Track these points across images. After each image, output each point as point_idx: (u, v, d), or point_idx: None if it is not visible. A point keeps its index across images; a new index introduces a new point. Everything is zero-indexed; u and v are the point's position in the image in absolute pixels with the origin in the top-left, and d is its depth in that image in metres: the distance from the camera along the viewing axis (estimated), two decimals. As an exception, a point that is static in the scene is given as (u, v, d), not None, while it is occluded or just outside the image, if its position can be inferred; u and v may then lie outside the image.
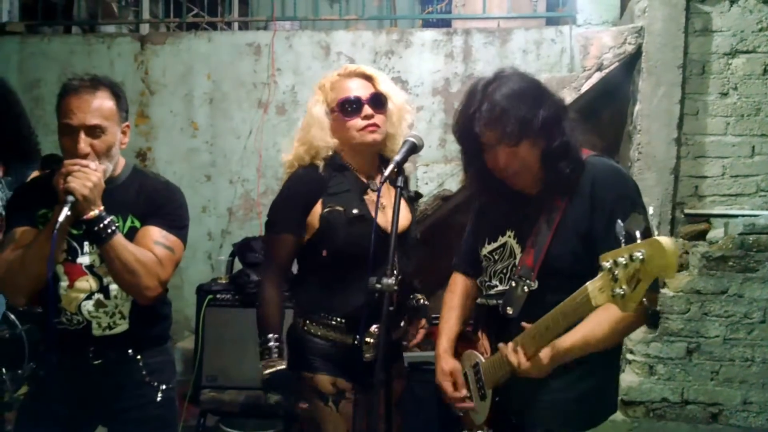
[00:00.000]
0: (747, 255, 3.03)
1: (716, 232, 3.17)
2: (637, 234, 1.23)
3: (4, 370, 2.80)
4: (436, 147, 3.76)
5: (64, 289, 1.74)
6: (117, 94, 1.74)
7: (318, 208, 1.85)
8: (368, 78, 1.90)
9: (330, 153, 1.89)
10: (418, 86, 3.80)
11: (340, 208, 1.84)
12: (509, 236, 1.67)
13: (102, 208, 1.66)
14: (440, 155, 3.75)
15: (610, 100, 3.60)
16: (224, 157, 3.90)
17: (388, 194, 1.87)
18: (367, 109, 1.85)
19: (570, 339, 1.49)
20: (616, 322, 1.49)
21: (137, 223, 1.76)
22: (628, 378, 3.17)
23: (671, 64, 3.23)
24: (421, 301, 2.11)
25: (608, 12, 3.69)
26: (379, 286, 1.62)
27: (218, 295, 3.21)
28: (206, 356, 3.15)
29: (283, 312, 1.92)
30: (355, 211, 1.84)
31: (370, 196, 1.89)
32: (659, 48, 3.24)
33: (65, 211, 1.60)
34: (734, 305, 3.04)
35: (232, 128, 3.89)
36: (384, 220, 1.82)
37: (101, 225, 1.65)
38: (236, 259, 3.48)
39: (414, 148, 1.75)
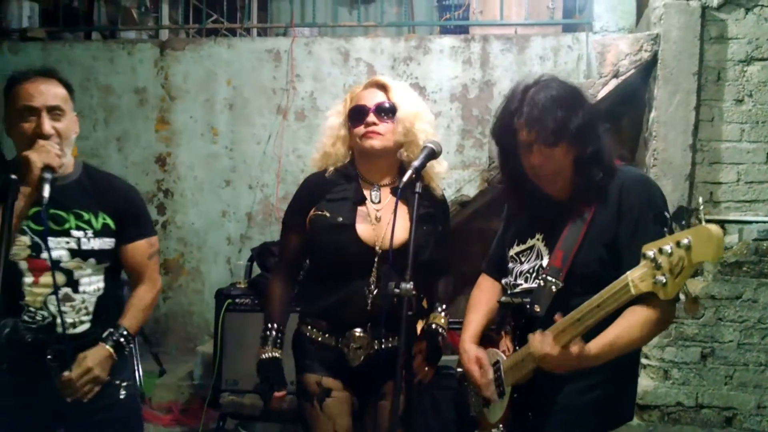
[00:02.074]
0: (761, 260, 3.26)
1: (731, 238, 3.40)
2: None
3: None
4: (454, 153, 4.04)
5: (28, 284, 1.82)
6: (67, 84, 1.88)
7: (311, 212, 2.01)
8: (383, 87, 2.03)
9: (344, 161, 2.04)
10: (436, 92, 4.08)
11: (327, 214, 1.97)
12: (537, 239, 1.80)
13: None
14: (458, 161, 4.02)
15: (627, 107, 3.85)
16: (244, 162, 4.20)
17: (390, 208, 1.93)
18: (370, 117, 1.97)
19: (600, 342, 1.58)
20: (646, 323, 1.59)
21: (109, 221, 1.91)
22: (644, 382, 3.41)
23: (687, 71, 3.48)
24: (434, 325, 2.12)
25: (625, 19, 3.95)
26: (397, 290, 1.74)
27: (237, 300, 3.41)
28: (226, 360, 3.37)
29: (287, 307, 2.07)
30: (339, 219, 1.96)
31: (366, 208, 2.00)
32: (675, 55, 3.49)
33: (47, 187, 1.68)
34: (748, 310, 3.28)
35: (251, 134, 4.19)
36: (371, 232, 1.96)
37: (122, 341, 1.90)
38: (255, 264, 3.76)
39: (432, 154, 1.90)
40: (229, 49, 4.24)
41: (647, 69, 3.64)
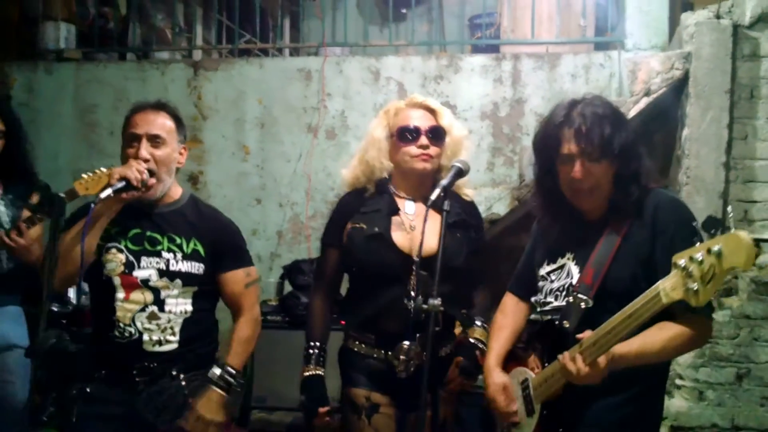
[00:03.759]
0: (797, 280, 3.40)
1: (766, 257, 3.54)
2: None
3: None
4: (484, 171, 4.25)
5: (120, 300, 2.06)
6: (177, 117, 2.19)
7: (348, 226, 2.21)
8: (431, 111, 2.24)
9: (384, 174, 2.23)
10: (467, 110, 4.31)
11: (363, 226, 2.16)
12: (568, 258, 1.92)
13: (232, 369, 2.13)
14: (488, 179, 4.24)
15: (659, 125, 4.04)
16: (274, 180, 4.47)
17: (432, 217, 2.04)
18: (423, 139, 2.18)
19: (626, 345, 1.69)
20: (677, 336, 1.72)
21: (200, 247, 2.15)
22: (678, 403, 3.55)
23: (719, 89, 3.66)
24: (471, 339, 2.26)
25: (657, 36, 4.16)
26: (425, 306, 1.87)
27: (268, 317, 3.67)
28: (256, 377, 3.59)
29: (329, 324, 2.24)
30: (375, 229, 2.14)
31: (401, 218, 2.19)
32: (707, 73, 3.68)
33: (109, 191, 1.94)
34: (785, 330, 3.41)
35: (282, 152, 4.46)
36: (407, 240, 2.14)
37: (230, 379, 2.12)
38: (286, 282, 4.01)
39: (460, 173, 2.09)
40: (261, 69, 4.54)
41: (679, 87, 3.82)
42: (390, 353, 2.14)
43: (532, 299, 2.05)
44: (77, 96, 4.66)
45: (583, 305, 1.82)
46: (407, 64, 4.38)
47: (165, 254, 2.13)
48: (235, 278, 2.23)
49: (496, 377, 2.04)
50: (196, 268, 2.15)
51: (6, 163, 2.89)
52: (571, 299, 1.85)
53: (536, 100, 4.23)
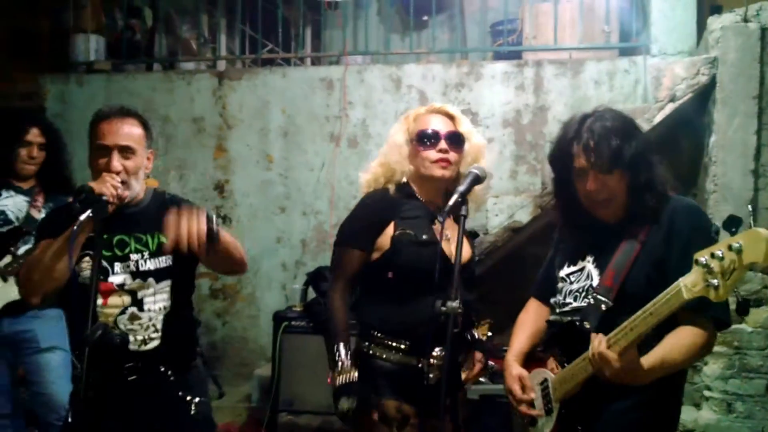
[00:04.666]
0: (829, 290, 3.30)
1: (796, 266, 3.45)
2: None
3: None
4: (507, 178, 4.22)
5: (99, 307, 2.05)
6: (144, 123, 2.13)
7: (390, 230, 2.17)
8: (451, 117, 2.24)
9: (404, 179, 2.22)
10: (489, 118, 4.27)
11: (411, 232, 2.15)
12: (588, 261, 1.96)
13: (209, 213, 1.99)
14: (511, 187, 4.20)
15: (686, 132, 3.96)
16: (298, 189, 4.49)
17: (451, 226, 2.14)
18: (443, 144, 2.18)
19: (650, 358, 1.73)
20: (693, 344, 1.76)
21: (164, 238, 2.03)
22: (706, 415, 3.47)
23: (746, 95, 3.58)
24: (476, 335, 2.37)
25: (683, 42, 4.07)
26: (444, 308, 1.90)
27: (293, 322, 3.72)
28: (282, 381, 3.65)
29: (349, 324, 2.18)
30: (424, 236, 2.15)
31: (437, 226, 2.17)
32: (733, 78, 3.60)
33: (88, 212, 1.90)
34: (816, 341, 3.31)
35: (305, 161, 4.49)
36: (448, 248, 2.14)
37: (212, 226, 1.97)
38: (310, 288, 4.02)
39: (477, 180, 2.09)
40: (284, 78, 4.56)
41: (706, 93, 3.75)
42: (423, 360, 2.14)
43: (551, 300, 2.07)
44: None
45: (603, 306, 1.85)
46: (428, 72, 4.37)
47: (133, 256, 2.12)
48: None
49: (512, 369, 2.08)
50: (164, 261, 2.14)
51: (47, 174, 3.05)
52: (591, 300, 1.88)
53: (559, 107, 4.18)
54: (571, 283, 1.99)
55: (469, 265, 2.26)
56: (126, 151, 2.06)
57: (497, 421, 3.34)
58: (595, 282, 1.90)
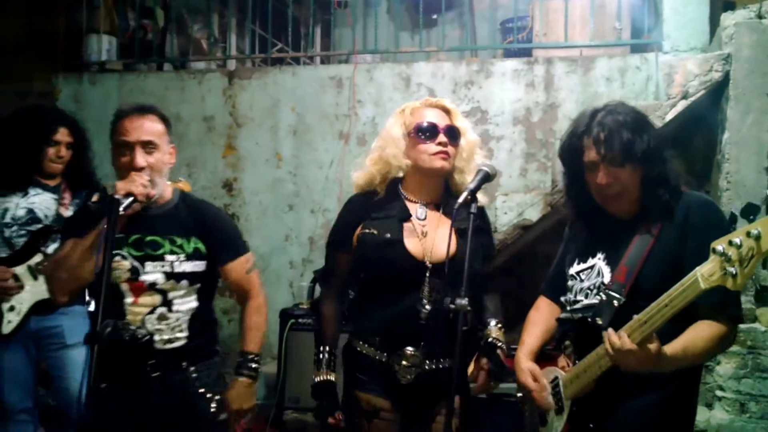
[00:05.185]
0: None
1: (810, 266, 3.39)
2: None
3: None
4: (517, 176, 4.18)
5: (128, 305, 2.12)
6: (164, 118, 2.19)
7: (358, 231, 2.18)
8: (446, 111, 2.23)
9: (399, 174, 2.21)
10: (499, 116, 4.24)
11: (375, 232, 2.13)
12: (599, 258, 1.95)
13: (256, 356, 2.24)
14: (521, 185, 4.16)
15: (699, 129, 3.91)
16: (307, 187, 4.48)
17: (438, 223, 2.15)
18: (441, 137, 2.15)
19: (671, 347, 1.70)
20: (713, 337, 1.74)
21: (200, 245, 2.20)
22: (719, 415, 3.40)
23: (760, 91, 3.52)
24: (490, 339, 2.22)
25: (696, 38, 4.01)
26: (452, 306, 1.87)
27: (300, 319, 3.72)
28: (288, 378, 3.65)
29: (338, 328, 2.24)
30: (387, 235, 2.12)
31: (412, 224, 2.16)
32: (747, 75, 3.54)
33: (120, 209, 1.94)
34: (831, 341, 3.24)
35: (314, 159, 4.48)
36: (419, 247, 2.11)
37: (252, 365, 2.23)
38: (317, 286, 4.00)
39: (487, 177, 2.06)
40: (294, 77, 4.56)
41: (719, 90, 3.70)
42: (392, 357, 2.12)
43: (562, 299, 2.06)
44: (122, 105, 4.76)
45: (616, 303, 1.82)
46: (438, 70, 4.34)
47: (168, 257, 2.17)
48: (237, 267, 2.29)
49: (524, 365, 2.07)
50: (198, 266, 2.21)
51: (73, 172, 3.11)
52: (603, 297, 1.86)
53: (570, 104, 4.13)
54: (582, 281, 1.98)
55: (457, 262, 2.06)
56: (148, 146, 2.09)
57: (506, 420, 3.31)
58: (607, 279, 1.89)
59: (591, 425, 1.90)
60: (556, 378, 2.00)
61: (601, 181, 1.85)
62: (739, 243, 1.49)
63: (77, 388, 2.97)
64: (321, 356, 2.19)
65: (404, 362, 2.10)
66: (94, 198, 3.01)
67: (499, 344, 2.21)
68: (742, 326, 3.29)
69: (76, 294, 2.12)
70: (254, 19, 5.05)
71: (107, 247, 1.91)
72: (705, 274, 1.56)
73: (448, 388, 2.02)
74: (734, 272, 1.50)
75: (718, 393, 3.44)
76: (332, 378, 2.19)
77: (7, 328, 2.98)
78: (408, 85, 4.37)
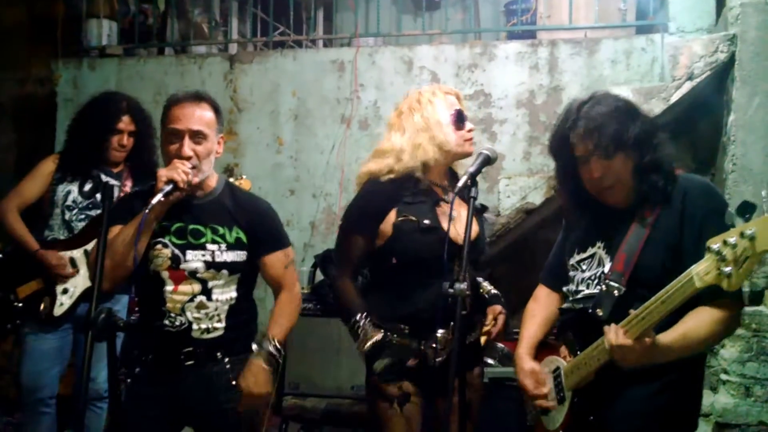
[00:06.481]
0: None
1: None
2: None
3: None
4: (520, 160, 4.15)
5: (169, 292, 2.13)
6: (216, 108, 2.20)
7: (392, 217, 2.18)
8: (459, 98, 2.32)
9: (439, 159, 2.21)
10: (502, 99, 4.20)
11: (413, 218, 2.16)
12: (599, 247, 1.94)
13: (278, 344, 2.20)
14: (524, 168, 4.13)
15: (704, 111, 3.87)
16: (308, 171, 4.46)
17: (458, 206, 2.16)
18: (469, 124, 2.27)
19: (670, 334, 1.70)
20: (714, 322, 1.72)
21: (242, 235, 2.20)
22: (723, 399, 3.39)
23: (765, 74, 3.48)
24: (491, 291, 2.43)
25: (702, 19, 3.96)
26: (452, 290, 1.91)
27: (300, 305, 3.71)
28: (289, 364, 3.62)
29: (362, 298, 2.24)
30: (426, 221, 2.15)
31: (442, 208, 2.20)
32: (753, 56, 3.50)
33: (159, 196, 1.99)
34: (836, 324, 3.21)
35: (315, 143, 4.45)
36: (454, 230, 2.12)
37: (273, 351, 2.18)
38: (317, 271, 3.98)
39: (488, 160, 2.10)
40: (295, 61, 4.53)
41: (724, 71, 3.66)
42: (424, 342, 2.15)
43: (564, 289, 2.04)
44: (120, 90, 4.69)
45: (616, 292, 1.81)
46: (440, 54, 4.30)
47: (210, 246, 2.16)
48: (275, 260, 2.26)
49: (524, 364, 2.06)
50: (240, 256, 2.19)
51: (135, 159, 3.19)
52: (603, 287, 1.85)
53: (574, 87, 4.09)
54: (583, 270, 1.97)
55: (478, 243, 2.23)
56: (198, 136, 2.10)
57: (507, 404, 3.30)
58: (607, 268, 1.88)
59: (591, 417, 1.89)
60: (557, 368, 2.00)
61: (593, 175, 1.84)
62: (734, 243, 1.47)
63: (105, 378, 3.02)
64: (360, 324, 2.18)
65: (438, 346, 2.14)
66: (87, 185, 3.05)
67: (499, 294, 2.37)
68: (747, 309, 3.27)
69: (119, 281, 2.10)
70: (255, 3, 5.00)
71: (101, 231, 1.92)
72: (700, 273, 1.55)
73: (471, 360, 2.23)
74: (729, 272, 1.48)
75: (723, 377, 3.41)
76: (380, 336, 2.16)
77: (58, 311, 3.05)
78: (410, 68, 4.34)
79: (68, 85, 4.79)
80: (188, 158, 2.07)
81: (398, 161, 2.21)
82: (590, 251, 1.96)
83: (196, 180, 2.09)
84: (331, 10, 5.35)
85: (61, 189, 3.14)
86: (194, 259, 2.13)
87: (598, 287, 1.88)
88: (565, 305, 2.03)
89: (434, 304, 2.10)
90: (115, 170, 3.20)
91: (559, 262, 2.11)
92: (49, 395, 3.11)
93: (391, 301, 2.21)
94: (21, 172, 3.32)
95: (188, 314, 2.13)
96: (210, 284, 2.15)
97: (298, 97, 4.49)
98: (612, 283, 1.83)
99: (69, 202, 3.12)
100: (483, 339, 2.40)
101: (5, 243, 3.22)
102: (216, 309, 2.15)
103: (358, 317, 2.19)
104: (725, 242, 1.48)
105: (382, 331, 2.17)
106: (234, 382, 2.16)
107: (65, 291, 3.07)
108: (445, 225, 2.13)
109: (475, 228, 2.18)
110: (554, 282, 2.14)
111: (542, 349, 2.11)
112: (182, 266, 2.13)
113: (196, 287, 2.14)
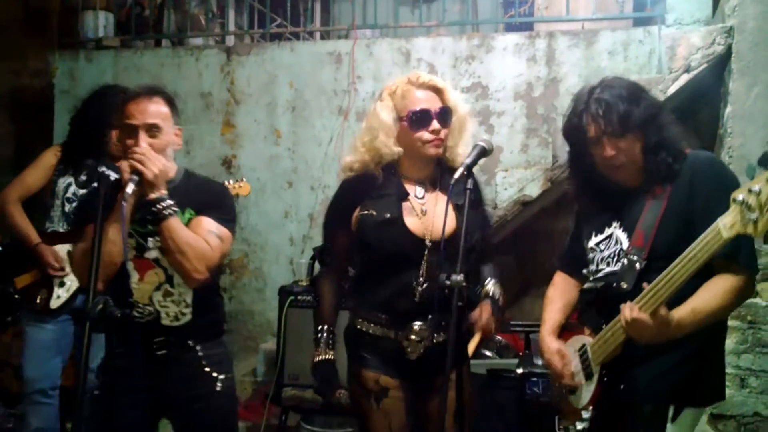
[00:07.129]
0: None
1: (810, 240, 3.37)
2: None
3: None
4: (518, 152, 4.15)
5: (135, 283, 2.14)
6: (170, 101, 2.19)
7: (356, 213, 2.17)
8: (438, 91, 2.16)
9: (393, 159, 2.16)
10: (500, 91, 4.20)
11: (373, 212, 2.13)
12: (615, 227, 2.01)
13: (165, 192, 2.07)
14: (522, 160, 4.13)
15: (701, 103, 3.88)
16: (306, 163, 4.46)
17: (434, 201, 2.16)
18: (435, 124, 2.12)
19: (683, 309, 1.76)
20: (728, 291, 1.79)
21: (193, 214, 2.16)
22: (719, 391, 3.40)
23: (765, 64, 3.49)
24: (491, 292, 2.26)
25: (700, 11, 3.97)
26: (448, 282, 1.89)
27: (299, 297, 3.68)
28: (287, 355, 3.64)
29: (337, 307, 2.25)
30: (387, 215, 2.12)
31: (410, 203, 2.16)
32: (751, 47, 3.50)
33: (131, 186, 1.99)
34: (833, 315, 3.23)
35: (313, 135, 4.45)
36: (420, 225, 2.13)
37: (160, 205, 2.05)
38: (316, 263, 3.99)
39: (484, 153, 2.06)
40: (292, 53, 4.52)
41: (721, 63, 3.66)
42: (400, 334, 2.14)
43: (584, 271, 2.11)
44: (116, 82, 4.69)
45: (637, 265, 1.88)
46: (438, 45, 4.30)
47: None
48: (202, 222, 2.18)
49: (550, 343, 2.13)
50: None
51: None
52: (625, 261, 1.92)
53: (572, 79, 4.09)
54: (602, 251, 2.04)
55: (456, 239, 2.05)
56: (152, 129, 2.11)
57: (505, 395, 3.31)
58: (625, 245, 1.95)
59: (622, 386, 1.93)
60: (584, 345, 2.05)
61: (606, 154, 1.92)
62: (758, 190, 1.53)
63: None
64: (320, 335, 2.20)
65: (413, 337, 2.12)
66: (82, 176, 3.04)
67: (497, 296, 2.21)
68: (743, 301, 3.28)
69: (111, 277, 2.09)
70: (252, -6, 4.99)
71: (97, 223, 1.90)
72: (727, 224, 1.60)
73: (461, 357, 2.14)
74: (755, 218, 1.54)
75: (719, 368, 3.43)
76: (331, 356, 2.20)
77: (55, 303, 3.07)
78: (408, 60, 4.33)
79: (65, 77, 4.78)
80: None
81: (360, 158, 2.20)
82: (607, 232, 2.03)
83: (161, 164, 2.09)
84: (329, 1, 5.31)
85: (62, 181, 3.15)
86: (154, 247, 2.15)
87: (619, 264, 1.95)
88: (587, 286, 2.08)
89: (409, 297, 2.11)
90: (116, 163, 3.17)
91: (575, 248, 2.18)
92: (51, 386, 3.12)
93: (368, 292, 2.21)
94: (17, 164, 3.33)
95: (155, 303, 2.15)
96: (170, 270, 2.16)
97: (295, 88, 4.48)
98: (633, 258, 1.90)
99: (69, 195, 3.14)
100: (472, 345, 2.36)
101: (4, 235, 3.23)
102: (180, 294, 2.16)
103: (320, 328, 2.21)
104: (750, 190, 1.55)
105: (332, 353, 2.19)
106: (207, 369, 2.19)
107: (62, 284, 3.09)
108: (408, 219, 2.12)
109: (453, 223, 2.11)
110: (571, 267, 2.21)
111: (564, 332, 2.17)
112: (146, 255, 2.15)
113: (161, 275, 2.16)
